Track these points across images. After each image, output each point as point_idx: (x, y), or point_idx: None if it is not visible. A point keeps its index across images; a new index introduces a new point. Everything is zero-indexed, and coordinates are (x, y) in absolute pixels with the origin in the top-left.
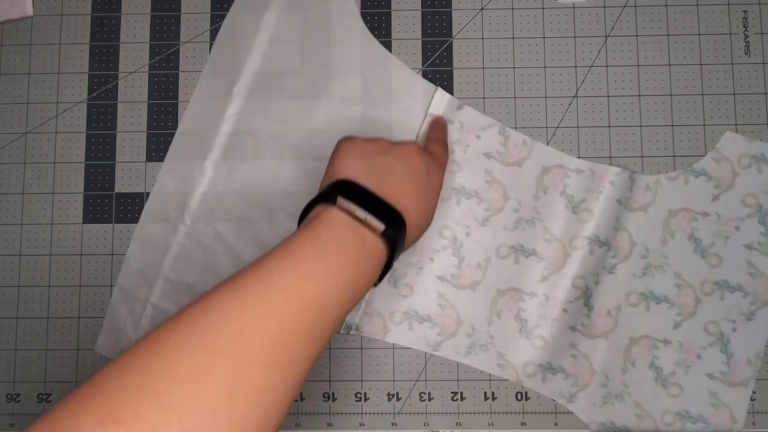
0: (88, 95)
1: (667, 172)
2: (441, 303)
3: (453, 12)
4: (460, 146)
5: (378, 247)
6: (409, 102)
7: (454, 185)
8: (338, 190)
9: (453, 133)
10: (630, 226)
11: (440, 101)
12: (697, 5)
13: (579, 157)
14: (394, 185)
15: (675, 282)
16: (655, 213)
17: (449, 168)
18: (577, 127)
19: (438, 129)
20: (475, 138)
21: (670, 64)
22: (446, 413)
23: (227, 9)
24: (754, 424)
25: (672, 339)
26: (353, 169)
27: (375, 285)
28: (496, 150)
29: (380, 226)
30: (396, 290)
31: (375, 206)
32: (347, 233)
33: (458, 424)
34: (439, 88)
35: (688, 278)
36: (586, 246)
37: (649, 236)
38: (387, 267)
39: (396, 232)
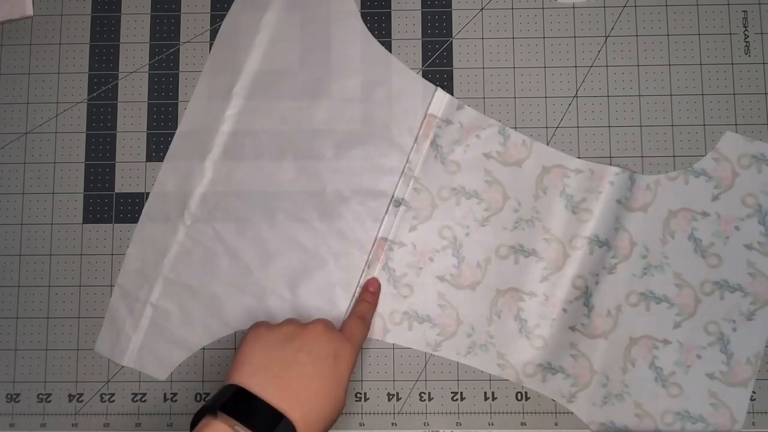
0: (88, 95)
1: (667, 172)
2: (441, 303)
3: (453, 12)
4: (460, 146)
5: None
6: (409, 102)
7: (454, 185)
8: (223, 400)
9: (453, 133)
10: (630, 226)
11: (440, 101)
12: (697, 5)
13: (579, 157)
14: (294, 378)
15: (675, 282)
16: (655, 213)
17: (449, 168)
18: (577, 127)
19: (361, 305)
20: (474, 138)
21: (670, 64)
22: (446, 413)
23: (227, 9)
24: (754, 424)
25: (672, 339)
26: (250, 367)
27: None
28: (496, 150)
29: None
30: (396, 290)
31: (262, 414)
32: None
33: (458, 424)
34: (439, 88)
35: (688, 278)
36: (586, 246)
37: (649, 236)
38: None
39: None
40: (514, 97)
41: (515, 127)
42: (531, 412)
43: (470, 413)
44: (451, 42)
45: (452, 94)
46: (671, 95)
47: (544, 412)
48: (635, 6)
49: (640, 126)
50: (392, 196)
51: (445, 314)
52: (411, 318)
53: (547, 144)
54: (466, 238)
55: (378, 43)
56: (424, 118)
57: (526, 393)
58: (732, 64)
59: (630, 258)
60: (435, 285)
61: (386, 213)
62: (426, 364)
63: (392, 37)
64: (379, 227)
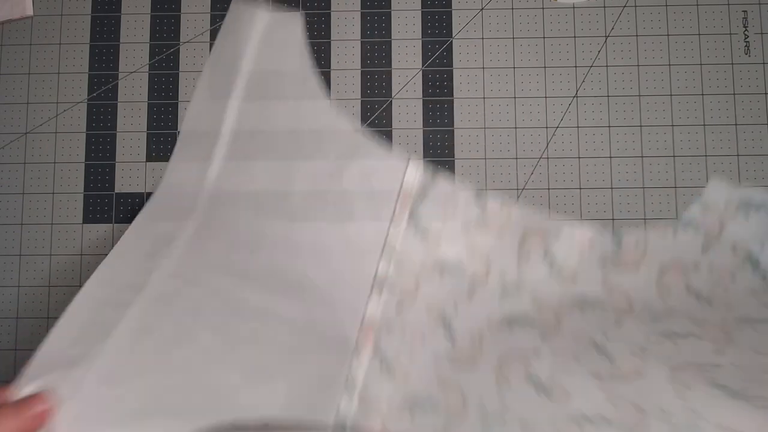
0: (88, 95)
1: (666, 171)
2: (440, 382)
3: (453, 12)
4: (438, 219)
5: None
6: (383, 179)
7: (436, 259)
8: None
9: (430, 206)
10: (622, 283)
11: (413, 175)
12: (697, 5)
13: (565, 215)
14: None
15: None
16: (646, 270)
17: (429, 242)
18: (577, 127)
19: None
20: (452, 209)
21: (670, 64)
22: None
23: (227, 9)
24: None
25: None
26: None
27: None
28: (474, 219)
29: None
30: (389, 375)
31: None
32: None
33: None
34: (412, 161)
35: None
36: (577, 309)
37: (644, 293)
38: None
39: None
40: (514, 97)
41: (516, 128)
42: None
43: None
44: (451, 42)
45: (452, 94)
46: (671, 95)
47: None
48: (635, 6)
49: (640, 126)
50: (374, 277)
51: (448, 394)
52: (412, 406)
53: (547, 144)
54: (455, 313)
55: (349, 122)
56: (399, 195)
57: None
58: (732, 64)
59: (633, 314)
60: (431, 364)
61: (370, 296)
62: None
63: (392, 37)
64: (364, 313)
